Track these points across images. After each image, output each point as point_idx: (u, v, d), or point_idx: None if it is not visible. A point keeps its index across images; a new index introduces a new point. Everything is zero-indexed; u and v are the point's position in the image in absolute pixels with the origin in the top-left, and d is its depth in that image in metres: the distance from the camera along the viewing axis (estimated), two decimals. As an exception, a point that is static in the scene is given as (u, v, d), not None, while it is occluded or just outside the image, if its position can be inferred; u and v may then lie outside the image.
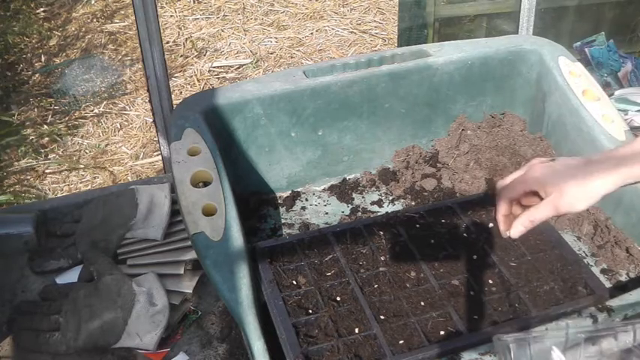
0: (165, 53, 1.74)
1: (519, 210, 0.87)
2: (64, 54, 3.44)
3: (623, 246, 1.06)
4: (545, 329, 0.86)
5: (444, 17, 2.47)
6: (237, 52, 3.52)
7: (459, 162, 1.23)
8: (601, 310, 0.89)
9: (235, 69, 3.40)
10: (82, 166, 2.76)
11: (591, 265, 1.05)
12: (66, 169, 2.73)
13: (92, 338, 0.96)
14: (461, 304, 0.92)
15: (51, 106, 3.07)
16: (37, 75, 3.28)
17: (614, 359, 0.76)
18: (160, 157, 2.18)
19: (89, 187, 2.66)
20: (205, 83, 3.28)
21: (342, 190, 1.21)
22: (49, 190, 2.65)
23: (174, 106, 1.52)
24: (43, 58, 3.39)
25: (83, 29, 3.64)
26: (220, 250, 0.91)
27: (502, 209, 0.87)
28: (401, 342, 0.86)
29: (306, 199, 1.20)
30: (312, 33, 3.66)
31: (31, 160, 2.77)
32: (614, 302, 0.90)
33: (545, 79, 1.23)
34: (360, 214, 1.16)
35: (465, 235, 1.05)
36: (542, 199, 0.83)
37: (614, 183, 0.78)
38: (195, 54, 3.50)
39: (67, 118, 3.02)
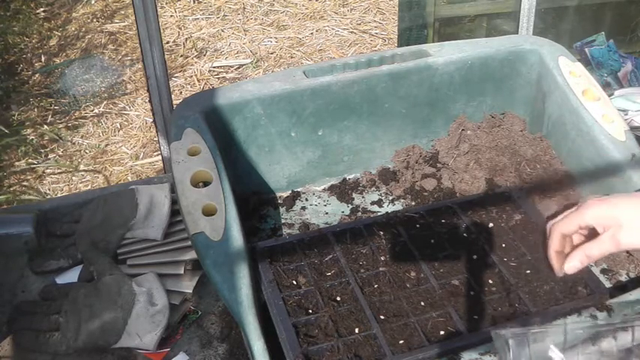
0: (166, 53, 1.74)
1: (569, 249, 0.83)
2: (64, 54, 3.44)
3: (623, 246, 1.06)
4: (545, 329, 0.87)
5: (444, 17, 2.47)
6: (237, 52, 3.52)
7: (459, 162, 1.23)
8: (601, 310, 0.89)
9: (235, 69, 3.41)
10: (82, 166, 2.76)
11: (591, 265, 1.05)
12: (65, 170, 2.73)
13: (92, 338, 0.96)
14: (461, 304, 0.92)
15: (51, 106, 3.07)
16: (37, 75, 3.28)
17: (613, 359, 0.76)
18: (159, 157, 2.18)
19: (89, 187, 2.66)
20: (205, 83, 3.28)
21: (342, 190, 1.21)
22: (49, 190, 2.65)
23: (174, 106, 1.52)
24: (43, 58, 3.39)
25: (83, 29, 3.64)
26: (220, 250, 0.91)
27: (555, 244, 0.82)
28: (401, 342, 0.86)
29: (306, 199, 1.20)
30: (312, 33, 3.67)
31: (31, 160, 2.77)
32: (614, 302, 0.90)
33: (545, 79, 1.23)
34: (360, 214, 1.16)
35: (465, 235, 1.05)
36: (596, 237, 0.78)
37: None
38: (196, 54, 3.50)
39: (67, 118, 3.02)
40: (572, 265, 0.81)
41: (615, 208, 0.77)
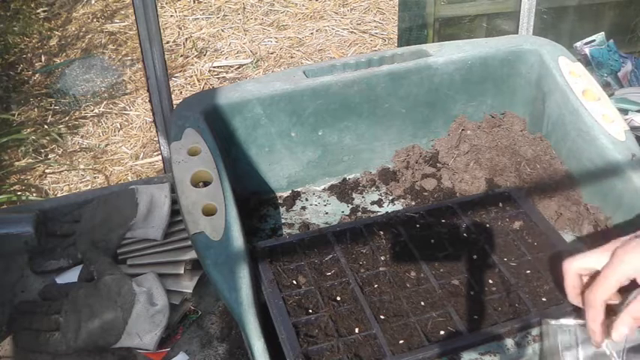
0: (165, 53, 1.74)
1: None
2: (64, 54, 3.44)
3: (623, 246, 1.06)
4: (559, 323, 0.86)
5: (444, 17, 2.47)
6: (237, 52, 3.52)
7: (459, 162, 1.23)
8: (601, 310, 0.89)
9: (235, 69, 3.41)
10: (82, 166, 2.76)
11: (591, 265, 1.04)
12: (66, 169, 2.73)
13: (92, 338, 0.96)
14: (461, 304, 0.92)
15: (51, 106, 3.07)
16: (37, 75, 3.28)
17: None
18: (160, 157, 2.18)
19: (89, 187, 2.66)
20: (205, 83, 3.28)
21: (342, 190, 1.21)
22: (49, 190, 2.65)
23: (175, 106, 1.52)
24: (43, 58, 3.39)
25: (83, 29, 3.64)
26: (220, 250, 0.91)
27: (600, 315, 0.70)
28: (401, 342, 0.86)
29: (306, 199, 1.20)
30: (312, 33, 3.67)
31: (31, 160, 2.77)
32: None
33: (545, 79, 1.23)
34: (360, 214, 1.16)
35: (465, 235, 1.05)
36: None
37: None
38: (196, 54, 3.50)
39: (67, 118, 3.03)
40: (619, 334, 0.70)
41: None
